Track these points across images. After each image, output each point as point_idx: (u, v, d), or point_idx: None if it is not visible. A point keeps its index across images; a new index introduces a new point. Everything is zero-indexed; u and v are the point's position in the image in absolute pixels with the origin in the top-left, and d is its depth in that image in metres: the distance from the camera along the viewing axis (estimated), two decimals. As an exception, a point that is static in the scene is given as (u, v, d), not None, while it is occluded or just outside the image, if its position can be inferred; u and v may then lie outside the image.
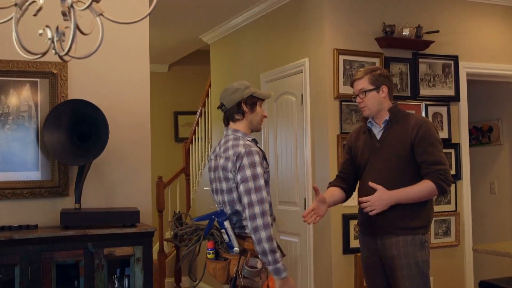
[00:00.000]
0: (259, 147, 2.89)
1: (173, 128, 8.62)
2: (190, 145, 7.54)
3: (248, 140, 2.89)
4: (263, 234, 2.66)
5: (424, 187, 3.05)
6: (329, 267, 4.36)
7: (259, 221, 2.67)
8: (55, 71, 3.64)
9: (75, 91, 3.69)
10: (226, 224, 2.79)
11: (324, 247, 4.43)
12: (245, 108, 2.92)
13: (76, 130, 3.52)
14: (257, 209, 2.69)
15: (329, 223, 4.36)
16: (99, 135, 3.46)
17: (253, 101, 2.94)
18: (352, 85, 3.30)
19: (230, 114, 2.94)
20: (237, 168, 2.75)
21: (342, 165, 3.47)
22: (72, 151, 3.47)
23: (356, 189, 3.39)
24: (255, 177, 2.72)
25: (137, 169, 3.86)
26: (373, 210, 3.06)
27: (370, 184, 3.11)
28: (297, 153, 4.80)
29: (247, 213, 2.70)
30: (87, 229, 3.27)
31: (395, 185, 3.09)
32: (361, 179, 3.31)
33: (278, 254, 2.70)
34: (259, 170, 2.74)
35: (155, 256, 7.91)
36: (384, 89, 3.18)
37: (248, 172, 2.72)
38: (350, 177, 3.39)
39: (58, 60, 3.61)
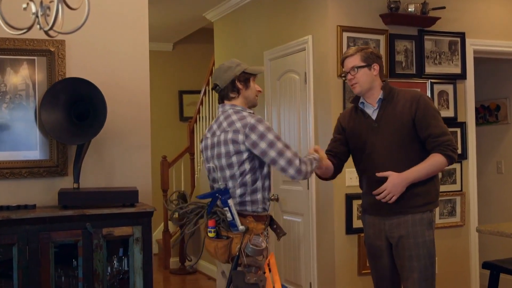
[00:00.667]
0: None
1: (178, 107, 8.56)
2: (195, 124, 7.50)
3: (249, 112, 2.89)
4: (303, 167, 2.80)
5: (435, 161, 3.03)
6: (332, 247, 4.33)
7: (296, 162, 2.77)
8: (52, 49, 3.58)
9: (74, 69, 3.64)
10: (230, 202, 2.76)
11: (327, 227, 4.39)
12: (239, 85, 2.93)
13: (75, 109, 3.47)
14: (289, 154, 2.76)
15: (332, 203, 4.32)
16: (97, 114, 3.42)
17: (246, 77, 2.94)
18: (342, 63, 3.26)
19: (225, 93, 2.93)
20: (256, 138, 2.74)
21: (332, 144, 3.40)
22: (70, 130, 3.43)
23: (355, 177, 3.35)
24: (277, 137, 2.79)
25: (137, 148, 3.81)
26: (393, 196, 3.02)
27: (378, 174, 3.06)
28: (300, 132, 4.74)
29: (282, 162, 2.75)
30: (86, 209, 3.24)
31: (401, 162, 3.06)
32: (362, 162, 3.24)
33: (314, 165, 2.89)
34: (275, 132, 2.83)
35: (160, 235, 7.94)
36: (376, 67, 3.16)
37: (270, 136, 2.76)
38: (340, 157, 3.34)
39: (56, 37, 3.60)
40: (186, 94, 8.46)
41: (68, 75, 3.60)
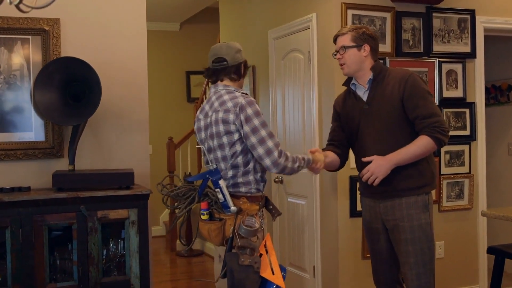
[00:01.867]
0: None
1: (186, 88, 8.47)
2: (201, 105, 7.40)
3: (242, 92, 2.83)
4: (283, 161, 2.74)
5: (421, 143, 2.93)
6: (336, 230, 4.24)
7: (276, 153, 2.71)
8: (47, 28, 3.50)
9: (69, 48, 3.56)
10: (221, 183, 2.70)
11: (331, 210, 4.30)
12: (243, 71, 2.93)
13: (70, 89, 3.40)
14: (270, 143, 2.70)
15: (335, 186, 4.22)
16: (92, 94, 3.34)
17: (247, 67, 2.97)
18: (335, 42, 3.18)
19: (229, 71, 2.88)
20: (243, 119, 2.70)
21: (332, 133, 3.35)
22: (65, 111, 3.36)
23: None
24: (263, 124, 2.72)
25: (134, 129, 3.74)
26: (376, 178, 2.95)
27: (364, 159, 3.01)
28: (304, 113, 4.64)
29: (260, 151, 2.70)
30: (80, 191, 3.18)
31: (392, 145, 2.98)
32: (355, 146, 3.17)
33: (296, 164, 2.81)
34: (263, 118, 2.76)
35: (167, 217, 7.91)
36: (366, 47, 3.07)
37: (256, 122, 2.71)
38: (343, 144, 3.28)
39: (50, 16, 3.53)
40: (194, 75, 8.35)
41: (63, 55, 3.53)
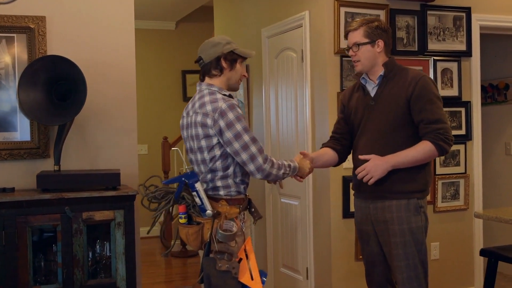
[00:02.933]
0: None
1: (181, 87, 8.40)
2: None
3: (224, 94, 2.72)
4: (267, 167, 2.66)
5: (422, 149, 2.83)
6: (328, 232, 4.17)
7: (260, 159, 2.63)
8: (32, 26, 3.44)
9: (55, 46, 3.51)
10: (198, 186, 2.62)
11: (324, 211, 4.23)
12: (224, 64, 2.77)
13: (56, 88, 3.34)
14: (253, 148, 2.61)
15: (328, 186, 4.15)
16: (77, 93, 3.28)
17: (233, 57, 2.78)
18: (346, 37, 3.06)
19: (208, 68, 2.78)
20: (223, 126, 2.59)
21: (336, 125, 3.25)
22: (50, 110, 3.30)
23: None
24: (246, 129, 2.62)
25: (122, 129, 3.68)
26: (371, 178, 2.85)
27: (361, 157, 2.91)
28: (297, 112, 4.57)
29: (244, 157, 2.61)
30: (65, 192, 3.12)
31: (388, 147, 2.89)
32: (354, 141, 3.09)
33: (281, 171, 2.73)
34: (245, 122, 2.65)
35: (162, 217, 7.83)
36: (380, 43, 2.95)
37: (238, 127, 2.60)
38: (345, 137, 3.18)
39: (36, 13, 3.47)
40: (190, 74, 8.28)
41: (49, 53, 3.47)
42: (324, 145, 3.23)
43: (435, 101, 2.88)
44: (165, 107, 8.15)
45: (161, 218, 6.94)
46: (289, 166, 2.79)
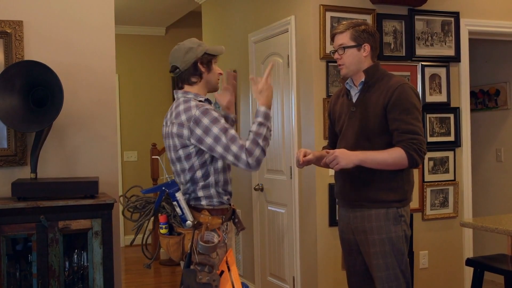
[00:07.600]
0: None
1: (171, 94, 8.32)
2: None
3: (200, 100, 2.64)
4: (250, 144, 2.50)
5: (393, 153, 2.73)
6: (314, 239, 4.09)
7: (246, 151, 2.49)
8: (9, 31, 3.36)
9: (33, 51, 3.42)
10: (178, 195, 2.55)
11: (310, 219, 4.16)
12: (202, 68, 2.69)
13: (33, 94, 3.26)
14: (234, 148, 2.48)
15: (314, 194, 4.08)
16: (54, 99, 3.19)
17: (208, 59, 2.70)
18: (332, 39, 2.99)
19: (186, 77, 2.69)
20: (201, 133, 2.51)
21: (328, 133, 3.23)
22: (26, 117, 3.21)
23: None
24: (223, 130, 2.50)
25: (102, 135, 3.59)
26: (337, 164, 2.72)
27: (325, 150, 2.85)
28: (283, 118, 4.51)
29: (230, 158, 2.50)
30: (41, 201, 3.03)
31: None
32: (337, 146, 3.01)
33: (258, 148, 2.50)
34: (223, 122, 2.53)
35: (150, 226, 7.74)
36: (367, 47, 2.87)
37: (215, 130, 2.50)
38: (335, 141, 3.10)
39: (13, 18, 3.39)
40: (180, 80, 8.22)
41: (27, 58, 3.38)
42: (324, 148, 3.17)
43: (412, 111, 2.78)
44: (155, 114, 8.08)
45: (150, 226, 6.85)
46: (258, 133, 2.53)
